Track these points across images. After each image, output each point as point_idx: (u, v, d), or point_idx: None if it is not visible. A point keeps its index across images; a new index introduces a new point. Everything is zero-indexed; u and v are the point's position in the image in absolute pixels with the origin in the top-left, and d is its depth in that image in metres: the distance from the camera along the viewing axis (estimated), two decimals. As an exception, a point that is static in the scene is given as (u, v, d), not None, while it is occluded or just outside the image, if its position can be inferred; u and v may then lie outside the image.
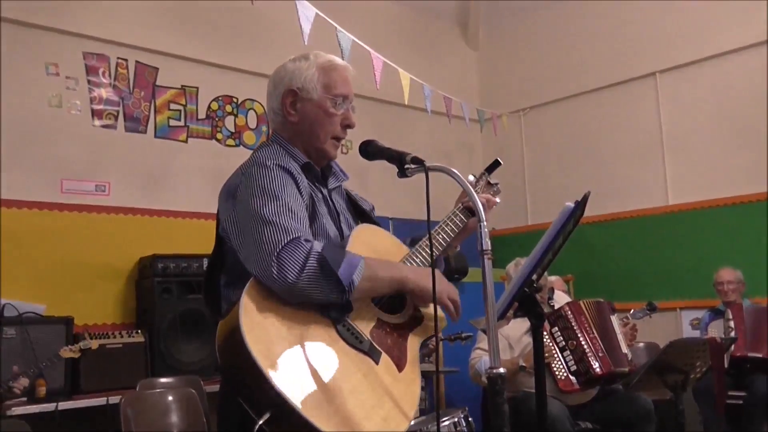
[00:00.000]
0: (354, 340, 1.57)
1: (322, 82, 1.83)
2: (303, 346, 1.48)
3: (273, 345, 1.44)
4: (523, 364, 3.75)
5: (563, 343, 3.81)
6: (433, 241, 1.80)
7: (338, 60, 1.91)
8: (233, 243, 1.67)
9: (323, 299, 1.54)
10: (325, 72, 1.85)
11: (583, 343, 3.75)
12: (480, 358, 3.86)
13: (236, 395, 1.47)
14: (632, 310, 4.35)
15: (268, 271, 1.50)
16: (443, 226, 1.90)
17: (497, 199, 2.04)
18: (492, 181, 2.10)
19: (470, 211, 1.92)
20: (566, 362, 3.77)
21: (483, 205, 1.84)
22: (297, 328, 1.51)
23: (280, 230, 1.55)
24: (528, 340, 3.82)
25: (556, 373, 3.77)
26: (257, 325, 1.45)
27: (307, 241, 1.56)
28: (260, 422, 1.38)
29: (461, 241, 2.00)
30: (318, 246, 1.56)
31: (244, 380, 1.44)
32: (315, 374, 1.45)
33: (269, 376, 1.38)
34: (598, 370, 3.69)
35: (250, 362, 1.38)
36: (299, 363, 1.45)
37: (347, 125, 1.87)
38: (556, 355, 3.79)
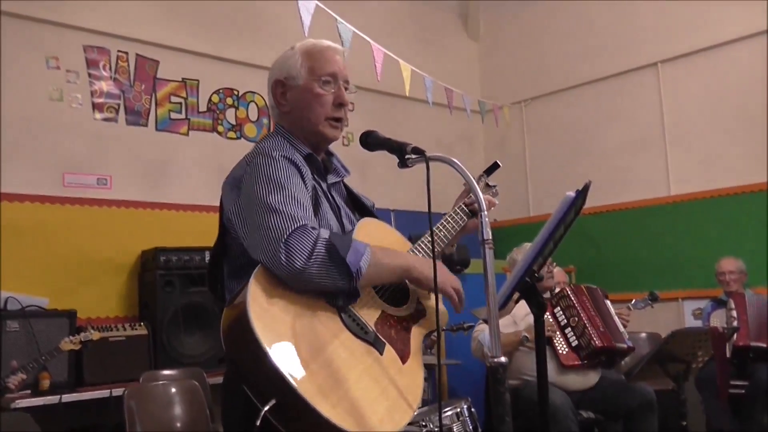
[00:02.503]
0: (359, 331, 1.57)
1: (307, 66, 1.81)
2: (309, 335, 1.48)
3: (280, 332, 1.44)
4: (526, 334, 3.78)
5: (565, 321, 3.97)
6: (434, 236, 1.80)
7: (322, 42, 1.87)
8: (238, 232, 1.67)
9: (331, 286, 1.53)
10: (309, 55, 1.83)
11: (584, 318, 3.91)
12: (483, 331, 3.87)
13: (241, 383, 1.47)
14: (634, 300, 4.37)
15: (276, 257, 1.49)
16: (444, 223, 1.90)
17: (496, 201, 2.05)
18: (490, 183, 2.11)
19: (470, 211, 1.94)
20: (568, 338, 3.90)
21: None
22: (303, 317, 1.51)
23: (287, 218, 1.54)
24: (532, 319, 3.86)
25: (558, 348, 3.86)
26: (265, 312, 1.45)
27: (314, 228, 1.56)
28: (265, 409, 1.38)
29: (458, 240, 2.01)
30: (325, 233, 1.56)
31: (250, 367, 1.44)
32: (321, 362, 1.45)
33: (275, 363, 1.38)
34: (598, 342, 3.82)
35: (256, 349, 1.38)
36: (305, 351, 1.45)
37: (340, 103, 1.83)
38: (558, 332, 3.89)
